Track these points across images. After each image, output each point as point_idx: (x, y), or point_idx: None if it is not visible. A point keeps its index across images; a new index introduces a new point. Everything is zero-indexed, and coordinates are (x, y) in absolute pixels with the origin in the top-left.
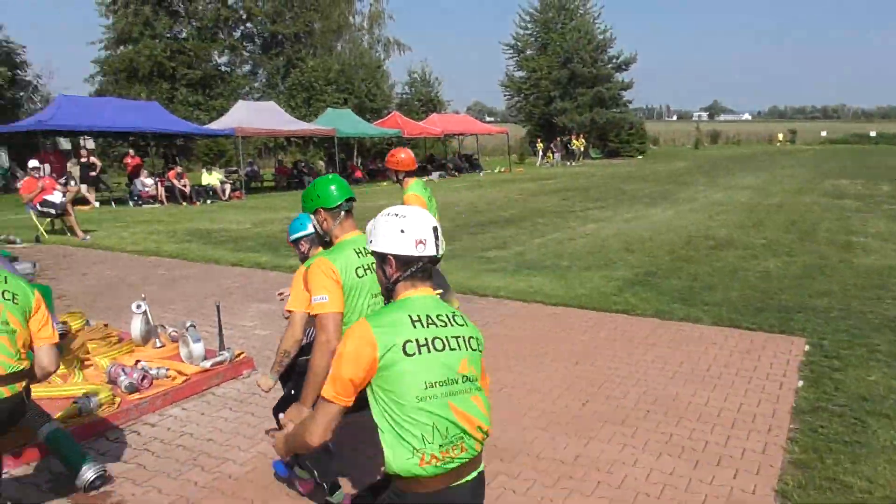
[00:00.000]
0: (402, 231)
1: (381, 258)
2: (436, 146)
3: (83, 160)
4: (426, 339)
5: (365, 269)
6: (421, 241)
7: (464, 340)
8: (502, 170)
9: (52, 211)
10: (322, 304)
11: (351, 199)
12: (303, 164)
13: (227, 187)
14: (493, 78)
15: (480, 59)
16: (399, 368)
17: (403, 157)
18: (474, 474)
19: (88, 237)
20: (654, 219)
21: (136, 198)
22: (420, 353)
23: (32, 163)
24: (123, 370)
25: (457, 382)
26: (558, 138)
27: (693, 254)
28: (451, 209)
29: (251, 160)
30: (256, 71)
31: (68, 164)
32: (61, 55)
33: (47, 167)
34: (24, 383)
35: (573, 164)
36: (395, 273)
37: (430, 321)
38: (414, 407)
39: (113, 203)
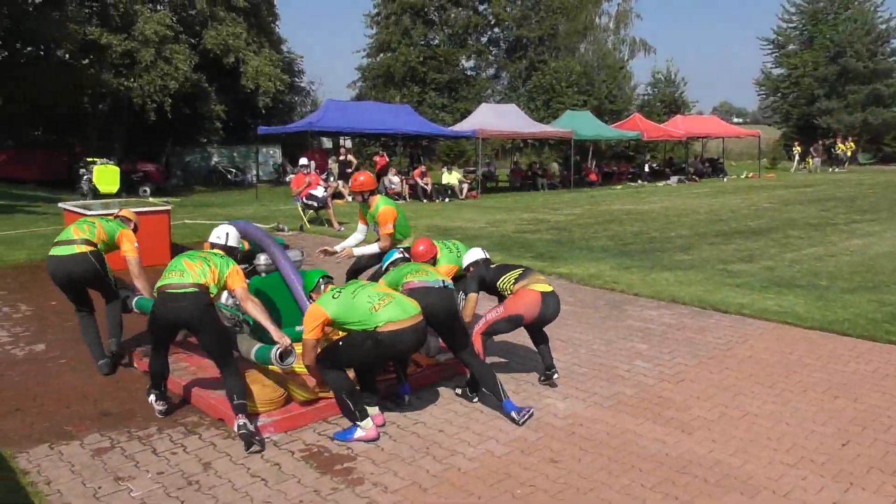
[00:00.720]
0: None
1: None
2: (676, 149)
3: (342, 158)
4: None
5: (339, 293)
6: (218, 236)
7: (211, 257)
8: (750, 175)
9: (315, 204)
10: (303, 331)
11: (324, 276)
12: (537, 165)
13: (465, 186)
14: (744, 76)
15: (731, 55)
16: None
17: (363, 179)
18: (181, 291)
19: (342, 229)
20: None
21: (382, 193)
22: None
23: (303, 160)
24: None
25: (196, 257)
26: (820, 141)
27: None
28: (691, 216)
29: (488, 161)
30: (500, 74)
31: (329, 161)
32: (330, 63)
33: (312, 164)
34: (92, 249)
35: (837, 170)
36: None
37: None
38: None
39: None
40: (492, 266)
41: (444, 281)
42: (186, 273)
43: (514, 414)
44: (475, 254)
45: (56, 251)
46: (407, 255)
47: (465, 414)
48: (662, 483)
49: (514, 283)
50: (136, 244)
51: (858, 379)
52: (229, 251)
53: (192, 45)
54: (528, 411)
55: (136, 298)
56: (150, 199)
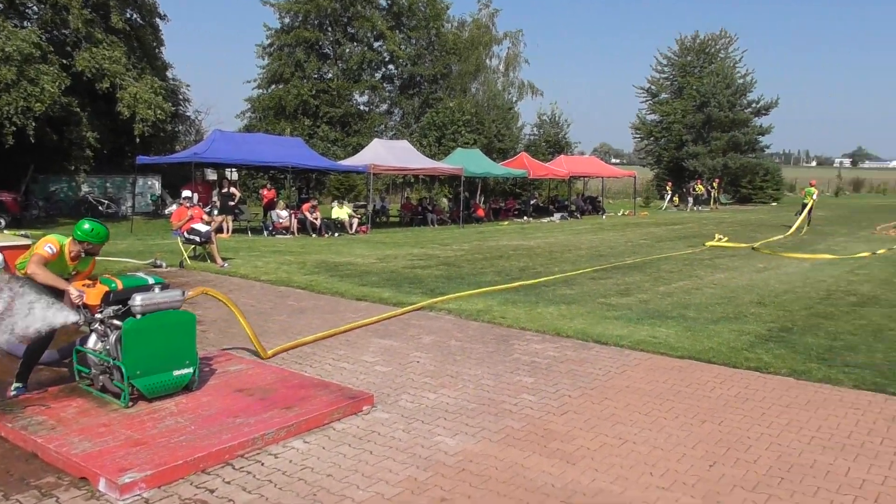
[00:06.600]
0: None
1: None
2: (560, 187)
3: (224, 190)
4: None
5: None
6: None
7: None
8: (626, 213)
9: (197, 239)
10: None
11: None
12: (427, 201)
13: (355, 221)
14: (621, 120)
15: (609, 100)
16: None
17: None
18: None
19: (227, 265)
20: (789, 270)
21: (269, 228)
22: None
23: (185, 193)
24: None
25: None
26: (698, 182)
27: (832, 310)
28: (573, 251)
29: (382, 196)
30: (393, 110)
31: (213, 195)
32: (218, 93)
33: (195, 197)
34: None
35: (701, 209)
36: None
37: None
38: None
39: (249, 232)
40: None
41: None
42: None
43: None
44: None
45: None
46: None
47: (354, 456)
48: None
49: None
50: None
51: (722, 404)
52: None
53: (63, 67)
54: None
55: None
56: (6, 232)
